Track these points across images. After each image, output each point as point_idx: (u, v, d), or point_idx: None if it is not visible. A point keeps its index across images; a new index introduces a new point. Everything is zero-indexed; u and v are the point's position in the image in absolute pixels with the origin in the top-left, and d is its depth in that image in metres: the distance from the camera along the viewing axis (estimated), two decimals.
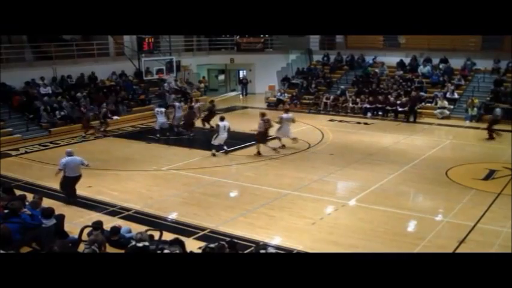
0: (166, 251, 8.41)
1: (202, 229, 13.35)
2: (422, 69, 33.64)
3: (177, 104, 26.32)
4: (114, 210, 14.81)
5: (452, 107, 29.88)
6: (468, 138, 24.73)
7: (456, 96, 30.52)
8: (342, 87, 33.71)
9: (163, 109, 24.83)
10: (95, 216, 13.74)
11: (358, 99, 31.50)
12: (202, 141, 23.70)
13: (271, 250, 9.80)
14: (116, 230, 10.60)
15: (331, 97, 32.44)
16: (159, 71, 32.28)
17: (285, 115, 22.06)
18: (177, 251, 8.52)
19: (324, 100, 32.44)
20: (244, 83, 39.97)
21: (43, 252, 8.39)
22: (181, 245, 9.13)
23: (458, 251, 11.87)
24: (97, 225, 10.38)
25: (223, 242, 9.38)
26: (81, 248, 9.75)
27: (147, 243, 8.71)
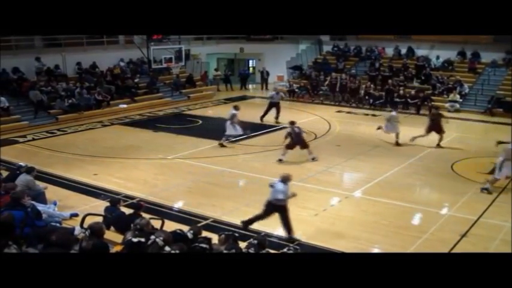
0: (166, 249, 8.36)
1: (206, 218, 13.39)
2: (435, 62, 33.55)
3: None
4: (118, 199, 14.84)
5: (462, 100, 29.75)
6: (476, 131, 24.59)
7: (467, 90, 30.35)
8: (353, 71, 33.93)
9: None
10: (99, 203, 13.84)
11: (371, 85, 31.74)
12: (210, 130, 23.72)
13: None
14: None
15: (340, 76, 32.68)
16: (168, 60, 32.27)
17: (393, 113, 21.84)
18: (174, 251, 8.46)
19: (333, 81, 32.57)
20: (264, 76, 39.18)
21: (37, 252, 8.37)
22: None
23: (460, 245, 11.85)
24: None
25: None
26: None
27: (142, 239, 8.72)
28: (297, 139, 18.79)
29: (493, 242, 12.01)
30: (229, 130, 20.86)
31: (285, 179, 12.17)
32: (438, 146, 20.69)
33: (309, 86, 33.79)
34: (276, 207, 12.11)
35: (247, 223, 12.63)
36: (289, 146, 18.81)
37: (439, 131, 20.76)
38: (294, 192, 12.27)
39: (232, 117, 20.89)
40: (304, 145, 18.98)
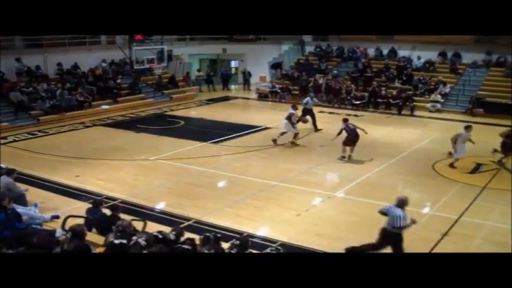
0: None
1: (188, 219, 13.35)
2: (416, 63, 33.81)
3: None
4: (100, 200, 14.76)
5: (443, 100, 29.99)
6: (457, 131, 24.70)
7: (448, 90, 30.60)
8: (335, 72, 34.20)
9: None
10: (81, 205, 13.76)
11: (353, 86, 31.97)
12: (192, 131, 23.70)
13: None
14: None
15: (326, 77, 32.85)
16: (150, 61, 32.18)
17: (463, 132, 18.29)
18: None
19: (320, 81, 32.67)
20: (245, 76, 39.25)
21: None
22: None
23: (441, 243, 11.94)
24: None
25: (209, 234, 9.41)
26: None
27: (124, 241, 8.69)
28: (352, 135, 19.02)
29: (473, 241, 12.13)
30: (287, 127, 21.10)
31: (403, 203, 10.57)
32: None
33: (298, 87, 33.78)
34: (394, 235, 10.54)
35: (352, 251, 11.06)
36: (347, 143, 19.07)
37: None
38: (413, 219, 10.50)
39: (290, 116, 21.07)
40: (355, 142, 19.21)
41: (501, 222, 13.23)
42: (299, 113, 22.57)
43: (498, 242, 12.07)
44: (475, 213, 13.84)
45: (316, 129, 23.88)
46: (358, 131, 19.15)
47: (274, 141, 21.09)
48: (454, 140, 17.91)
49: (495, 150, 18.63)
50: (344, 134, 19.13)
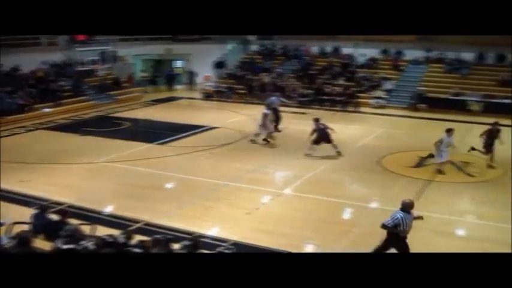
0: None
1: (137, 221, 13.20)
2: (360, 60, 34.37)
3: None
4: (47, 205, 14.45)
5: (387, 96, 30.57)
6: (401, 127, 25.31)
7: (391, 86, 31.21)
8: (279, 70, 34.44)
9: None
10: (27, 211, 13.40)
11: (298, 83, 32.12)
12: (138, 132, 23.47)
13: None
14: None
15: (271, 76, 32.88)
16: (94, 62, 31.69)
17: (445, 136, 17.38)
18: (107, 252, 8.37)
19: (265, 80, 32.74)
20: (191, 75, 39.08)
21: None
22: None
23: None
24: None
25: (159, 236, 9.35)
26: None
27: (73, 246, 8.55)
28: (322, 135, 19.33)
29: (421, 232, 12.38)
30: (261, 129, 21.37)
31: (408, 207, 10.41)
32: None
33: (243, 86, 33.80)
34: (393, 236, 10.37)
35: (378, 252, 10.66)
36: (316, 142, 19.34)
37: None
38: (419, 215, 10.60)
39: (265, 116, 21.21)
40: (328, 140, 19.42)
41: (447, 214, 13.62)
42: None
43: (445, 232, 12.55)
44: (421, 205, 14.11)
45: (276, 129, 23.68)
46: (329, 130, 19.55)
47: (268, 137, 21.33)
48: (438, 145, 17.19)
49: (473, 149, 18.54)
50: (315, 134, 19.48)
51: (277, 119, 23.76)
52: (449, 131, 17.17)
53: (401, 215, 10.26)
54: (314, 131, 19.50)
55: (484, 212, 13.97)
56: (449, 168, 17.66)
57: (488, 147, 18.24)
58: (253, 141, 21.39)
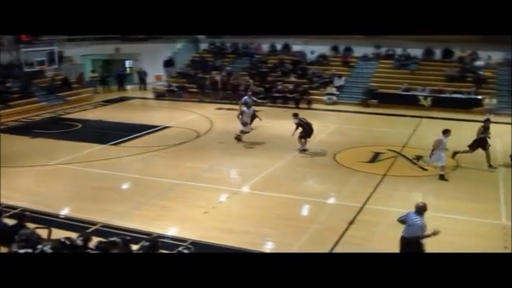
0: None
1: (94, 223, 13.05)
2: (310, 57, 34.67)
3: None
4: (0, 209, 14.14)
5: (338, 93, 30.96)
6: (354, 122, 25.69)
7: (342, 82, 31.62)
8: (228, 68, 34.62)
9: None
10: None
11: (251, 81, 32.25)
12: (91, 133, 23.18)
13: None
14: None
15: (221, 74, 32.95)
16: (41, 62, 31.05)
17: (442, 137, 16.85)
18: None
19: (216, 78, 32.74)
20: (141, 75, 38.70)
21: None
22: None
23: (349, 231, 12.37)
24: None
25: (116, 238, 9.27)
26: None
27: (29, 250, 8.41)
28: (308, 128, 19.46)
29: (379, 226, 12.66)
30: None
31: (421, 210, 10.02)
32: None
33: (195, 85, 33.68)
34: (414, 244, 9.89)
35: None
36: (303, 136, 19.42)
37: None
38: (436, 230, 9.76)
39: (241, 113, 21.34)
40: (310, 135, 19.61)
41: (402, 207, 13.83)
42: None
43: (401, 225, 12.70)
44: (377, 200, 14.46)
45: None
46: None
47: (239, 137, 21.31)
48: (435, 147, 16.64)
49: (455, 153, 18.28)
50: (299, 129, 19.56)
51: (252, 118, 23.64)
52: (446, 132, 16.78)
53: (407, 214, 10.14)
54: (298, 125, 19.53)
55: (439, 204, 14.22)
56: (403, 162, 18.05)
57: (484, 144, 17.96)
58: (238, 139, 21.34)
